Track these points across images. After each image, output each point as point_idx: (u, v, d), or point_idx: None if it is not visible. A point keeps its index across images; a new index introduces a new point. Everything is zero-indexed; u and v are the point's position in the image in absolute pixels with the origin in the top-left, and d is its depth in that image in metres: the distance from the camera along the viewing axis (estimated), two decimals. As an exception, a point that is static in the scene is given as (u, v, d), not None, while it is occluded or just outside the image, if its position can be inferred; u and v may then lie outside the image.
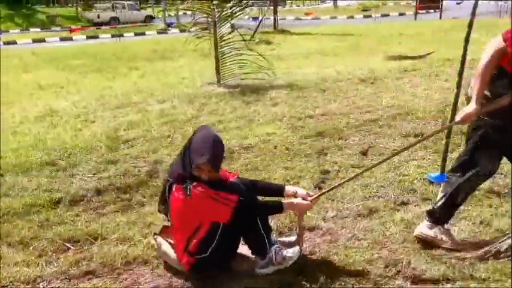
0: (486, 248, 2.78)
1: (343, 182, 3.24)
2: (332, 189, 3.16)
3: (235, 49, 8.29)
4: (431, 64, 9.19)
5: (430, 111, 5.92)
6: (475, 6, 3.71)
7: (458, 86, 3.94)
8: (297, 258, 2.72)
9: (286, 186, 2.98)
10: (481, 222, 3.17)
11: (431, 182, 3.84)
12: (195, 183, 2.57)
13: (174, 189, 2.66)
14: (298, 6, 46.49)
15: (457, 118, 2.79)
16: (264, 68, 7.97)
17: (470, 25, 3.68)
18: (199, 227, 2.64)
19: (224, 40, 8.33)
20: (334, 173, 4.23)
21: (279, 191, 2.96)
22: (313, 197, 2.88)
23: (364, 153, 4.70)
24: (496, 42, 2.63)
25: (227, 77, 8.23)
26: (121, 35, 20.86)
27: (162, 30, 25.39)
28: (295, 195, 2.87)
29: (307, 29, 19.22)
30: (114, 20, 30.67)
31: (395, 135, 5.15)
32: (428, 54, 10.23)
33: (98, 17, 32.79)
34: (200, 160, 2.56)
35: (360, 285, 2.59)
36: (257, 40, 11.40)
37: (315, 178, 4.09)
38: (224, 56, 8.29)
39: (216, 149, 2.62)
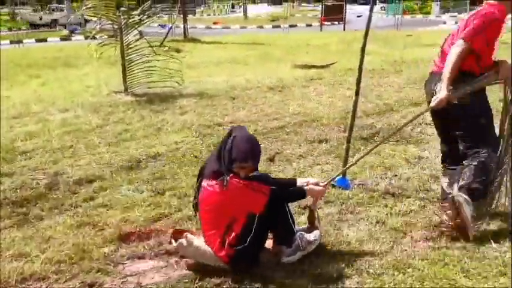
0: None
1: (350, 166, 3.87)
2: (339, 174, 3.75)
3: (143, 56, 8.11)
4: (335, 73, 9.63)
5: (334, 118, 6.20)
6: (369, 19, 3.95)
7: (357, 93, 4.16)
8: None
9: (297, 178, 3.23)
10: (377, 222, 3.37)
11: (333, 186, 4.00)
12: (231, 175, 2.74)
13: (206, 185, 2.79)
14: (209, 15, 46.68)
15: (432, 104, 3.22)
16: (173, 76, 7.88)
17: (365, 35, 3.90)
18: (235, 220, 2.75)
19: (131, 48, 8.13)
20: (242, 179, 4.28)
21: (291, 183, 3.14)
22: (325, 183, 3.18)
23: (271, 159, 4.81)
24: (459, 44, 3.13)
25: (135, 85, 8.03)
26: (20, 41, 19.66)
27: (65, 37, 24.25)
28: (307, 184, 3.04)
29: (218, 38, 19.32)
30: (54, 22, 29.22)
31: (301, 141, 5.32)
32: (332, 63, 10.72)
33: (40, 18, 30.92)
34: (244, 161, 2.77)
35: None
36: (166, 48, 11.26)
37: (223, 185, 4.11)
38: (131, 64, 8.09)
39: (258, 150, 2.90)
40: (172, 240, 2.93)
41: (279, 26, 31.08)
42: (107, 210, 3.65)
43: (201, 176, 2.91)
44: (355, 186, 4.05)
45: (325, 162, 4.68)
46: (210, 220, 2.80)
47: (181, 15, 21.47)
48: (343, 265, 2.82)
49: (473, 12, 3.41)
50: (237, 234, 2.73)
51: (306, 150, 5.00)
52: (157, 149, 5.07)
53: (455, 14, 44.78)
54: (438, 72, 3.33)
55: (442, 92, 3.15)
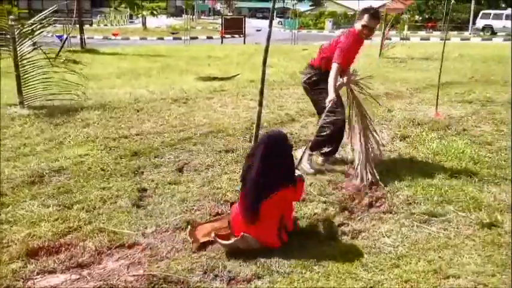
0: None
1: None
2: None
3: (39, 67, 7.74)
4: (238, 85, 9.92)
5: (239, 128, 6.41)
6: (269, 35, 4.21)
7: (260, 103, 4.39)
8: None
9: None
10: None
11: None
12: None
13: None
14: (106, 25, 45.24)
15: (327, 103, 4.41)
16: (72, 88, 7.61)
17: (266, 50, 4.15)
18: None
19: (26, 58, 7.74)
20: (151, 190, 4.31)
21: None
22: None
23: (180, 169, 4.89)
24: (334, 67, 4.44)
25: (31, 98, 7.63)
26: None
27: None
28: None
29: (117, 49, 18.89)
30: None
31: (208, 151, 5.45)
32: (235, 76, 11.01)
33: None
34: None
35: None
36: (63, 59, 10.82)
37: (132, 197, 4.11)
38: (26, 76, 7.68)
39: None
40: (218, 240, 3.18)
41: (180, 38, 31.01)
42: (11, 226, 3.50)
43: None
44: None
45: (233, 171, 4.85)
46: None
47: (78, 26, 20.67)
48: (255, 266, 2.99)
49: (343, 31, 4.79)
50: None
51: (214, 160, 5.14)
52: (61, 163, 4.91)
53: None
54: (313, 65, 4.85)
55: (330, 95, 4.39)
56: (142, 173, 4.75)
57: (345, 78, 4.62)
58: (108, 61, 14.83)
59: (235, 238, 3.18)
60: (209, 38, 33.07)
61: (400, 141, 5.98)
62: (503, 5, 51.91)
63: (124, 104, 7.84)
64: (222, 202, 4.04)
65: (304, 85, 4.99)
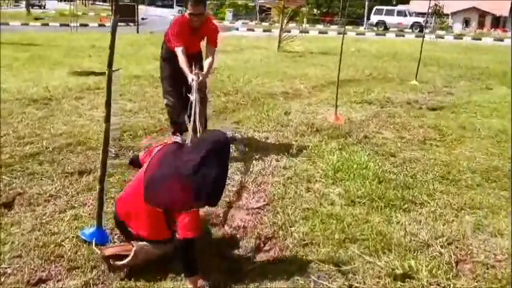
0: None
1: None
2: None
3: None
4: (117, 81, 8.55)
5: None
6: (114, 27, 3.08)
7: (107, 118, 3.26)
8: None
9: None
10: None
11: (86, 242, 3.05)
12: None
13: None
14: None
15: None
16: None
17: (111, 48, 3.03)
18: None
19: None
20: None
21: None
22: None
23: (8, 203, 3.61)
24: (178, 51, 4.65)
25: None
26: None
27: None
28: None
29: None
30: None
31: (56, 174, 4.20)
32: (115, 70, 9.61)
33: None
34: None
35: None
36: None
37: None
38: None
39: None
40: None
41: (67, 25, 28.44)
42: None
43: None
44: (116, 238, 3.17)
45: (83, 203, 3.68)
46: None
47: None
48: None
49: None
50: None
51: (60, 188, 3.92)
52: None
53: (247, 21, 47.39)
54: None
55: (189, 76, 4.30)
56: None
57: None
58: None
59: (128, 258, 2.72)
60: (101, 25, 30.70)
61: (297, 153, 5.14)
62: (394, 2, 54.71)
63: (-37, 106, 6.25)
64: (52, 259, 2.87)
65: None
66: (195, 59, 4.66)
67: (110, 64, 2.97)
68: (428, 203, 4.03)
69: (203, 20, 4.82)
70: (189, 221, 2.64)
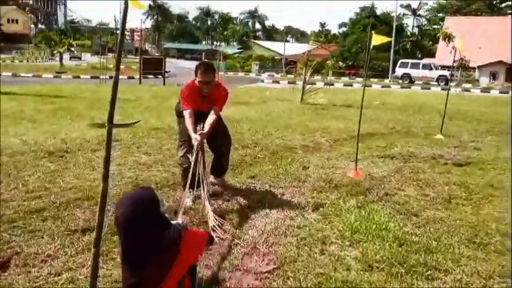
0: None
1: None
2: None
3: None
4: (136, 134, 8.56)
5: (115, 194, 5.04)
6: (116, 81, 2.97)
7: (105, 178, 3.07)
8: None
9: None
10: None
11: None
12: None
13: None
14: (22, 61, 42.37)
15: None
16: None
17: (112, 103, 2.90)
18: None
19: None
20: None
21: None
22: None
23: (4, 264, 3.44)
24: (186, 114, 4.84)
25: None
26: None
27: None
28: None
29: (13, 88, 16.86)
30: None
31: (58, 231, 4.03)
32: (135, 123, 9.60)
33: None
34: None
35: None
36: None
37: None
38: None
39: None
40: None
41: (97, 77, 29.34)
42: None
43: None
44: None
45: (81, 264, 3.49)
46: None
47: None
48: None
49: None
50: None
51: (59, 247, 3.74)
52: None
53: (273, 73, 48.18)
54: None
55: (193, 137, 4.65)
56: None
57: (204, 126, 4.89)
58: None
59: None
60: (130, 77, 31.55)
61: (313, 211, 4.88)
62: (419, 55, 54.97)
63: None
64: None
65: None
66: (205, 119, 4.93)
67: (110, 119, 2.80)
68: (454, 269, 3.68)
69: (212, 86, 4.98)
70: None
